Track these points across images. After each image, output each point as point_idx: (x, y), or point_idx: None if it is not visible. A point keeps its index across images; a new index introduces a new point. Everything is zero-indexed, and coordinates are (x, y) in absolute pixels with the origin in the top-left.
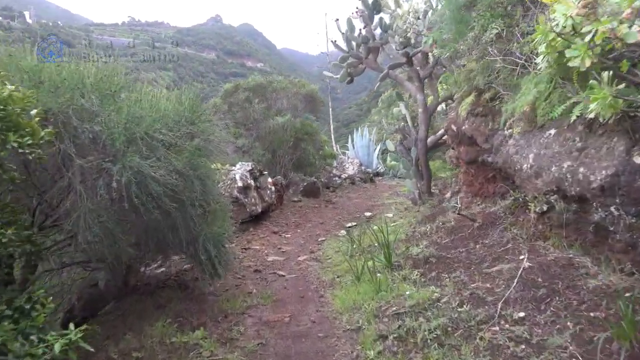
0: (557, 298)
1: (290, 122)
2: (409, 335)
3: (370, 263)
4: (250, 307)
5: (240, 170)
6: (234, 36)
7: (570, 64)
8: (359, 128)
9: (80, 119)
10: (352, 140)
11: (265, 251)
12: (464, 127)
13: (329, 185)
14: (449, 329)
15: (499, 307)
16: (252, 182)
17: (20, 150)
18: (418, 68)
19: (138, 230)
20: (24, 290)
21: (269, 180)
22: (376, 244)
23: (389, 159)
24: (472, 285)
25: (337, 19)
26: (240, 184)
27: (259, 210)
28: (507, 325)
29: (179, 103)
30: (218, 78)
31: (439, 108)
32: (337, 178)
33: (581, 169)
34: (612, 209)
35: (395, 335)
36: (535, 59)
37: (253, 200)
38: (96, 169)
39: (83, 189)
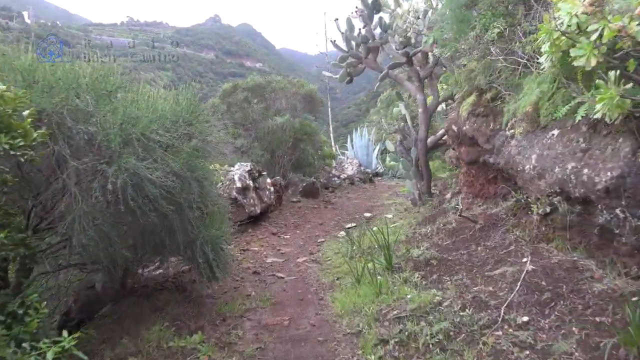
0: (562, 302)
1: (289, 122)
2: (410, 339)
3: (370, 265)
4: (249, 310)
5: (239, 171)
6: (233, 36)
7: (575, 63)
8: (358, 128)
9: (75, 120)
10: (351, 141)
11: (264, 252)
12: (464, 128)
13: (328, 185)
14: (451, 333)
15: (502, 311)
16: (250, 182)
17: (11, 152)
18: (418, 68)
19: (134, 233)
20: (17, 295)
21: (268, 180)
22: (376, 246)
23: (388, 159)
24: (475, 288)
25: (337, 19)
26: (239, 184)
27: (258, 211)
28: (510, 330)
29: (177, 103)
30: (217, 78)
31: (439, 108)
32: (336, 178)
33: (585, 170)
34: (617, 211)
35: (396, 340)
36: (538, 59)
37: (252, 201)
38: (91, 170)
39: (78, 191)
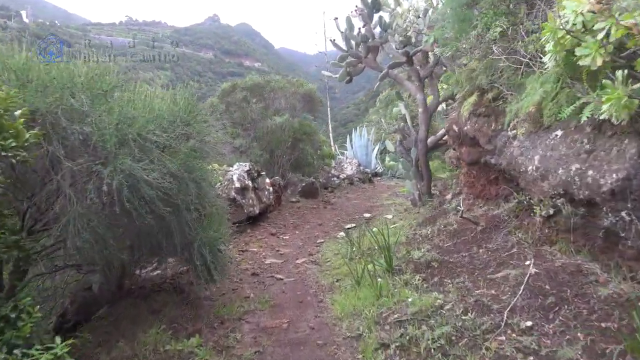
0: (566, 307)
1: (288, 122)
2: (411, 344)
3: (370, 267)
4: (247, 312)
5: (237, 171)
6: (232, 36)
7: (580, 62)
8: (358, 128)
9: (70, 120)
10: (351, 140)
11: (263, 253)
12: (466, 128)
13: (328, 185)
14: (454, 338)
15: (505, 315)
16: (249, 182)
17: (3, 154)
18: (418, 67)
19: (130, 235)
20: (11, 298)
21: (267, 180)
22: (376, 247)
23: (387, 159)
24: (477, 291)
25: (336, 18)
26: (237, 184)
27: (257, 211)
28: (514, 335)
29: (174, 103)
30: (216, 77)
31: (439, 108)
32: (335, 178)
33: (590, 172)
34: (623, 214)
35: (397, 344)
36: (541, 58)
37: (251, 201)
38: (86, 171)
39: (72, 193)
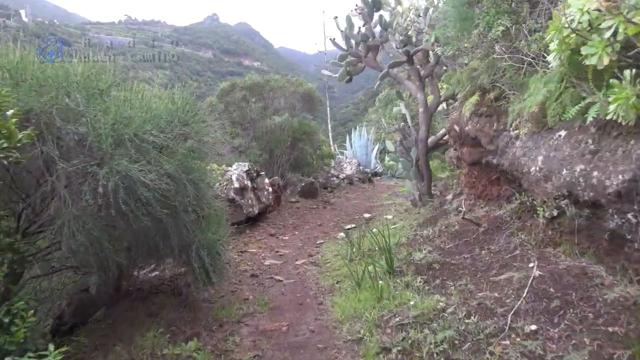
0: (572, 310)
1: (287, 121)
2: (413, 348)
3: (370, 268)
4: (246, 315)
5: (236, 171)
6: (231, 35)
7: (586, 61)
8: (357, 127)
9: (65, 120)
10: (350, 140)
11: (262, 254)
12: (467, 128)
13: (327, 185)
14: (456, 342)
15: (509, 319)
16: (248, 183)
17: None
18: (419, 67)
19: (127, 237)
20: (5, 302)
21: (266, 180)
22: (376, 248)
23: (387, 158)
24: (480, 294)
25: (336, 17)
26: (236, 185)
27: (256, 211)
28: (518, 340)
29: (172, 102)
30: (215, 77)
31: (439, 108)
32: (335, 178)
33: (595, 173)
34: (629, 215)
35: (399, 348)
36: (544, 57)
37: (250, 201)
38: (81, 172)
39: (67, 194)
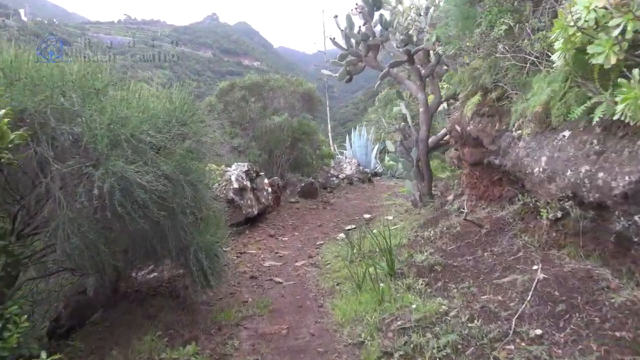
0: (577, 314)
1: (287, 121)
2: (416, 352)
3: (371, 270)
4: (245, 317)
5: (236, 171)
6: (231, 35)
7: (592, 60)
8: (357, 127)
9: (60, 120)
10: (350, 140)
11: (262, 256)
12: (468, 128)
13: (327, 185)
14: (460, 346)
15: (513, 323)
16: (248, 183)
17: None
18: (419, 66)
19: (124, 239)
20: None
21: (266, 181)
22: (377, 249)
23: (387, 158)
24: (483, 297)
25: (336, 16)
26: (235, 185)
27: (255, 212)
28: (523, 344)
29: (170, 102)
30: (214, 76)
31: (440, 108)
32: (334, 178)
33: (600, 174)
34: (636, 217)
35: (401, 353)
36: (548, 56)
37: (249, 202)
38: (77, 174)
39: (62, 196)
